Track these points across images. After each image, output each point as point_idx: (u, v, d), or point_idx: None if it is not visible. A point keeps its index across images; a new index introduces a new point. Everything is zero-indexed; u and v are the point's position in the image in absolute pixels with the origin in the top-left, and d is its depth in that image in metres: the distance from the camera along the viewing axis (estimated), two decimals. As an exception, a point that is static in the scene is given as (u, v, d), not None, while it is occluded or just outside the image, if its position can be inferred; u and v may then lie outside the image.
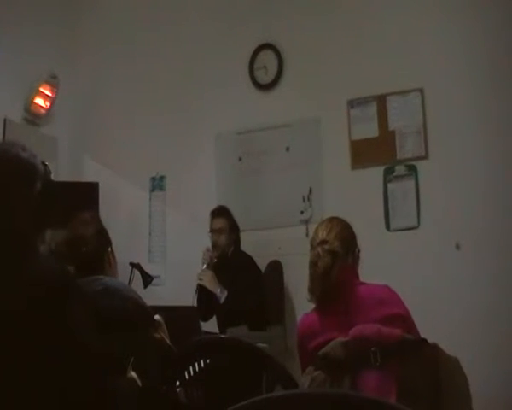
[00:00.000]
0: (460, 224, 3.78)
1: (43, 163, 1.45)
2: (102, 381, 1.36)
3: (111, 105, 5.05)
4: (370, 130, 4.16)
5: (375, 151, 4.12)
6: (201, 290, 3.85)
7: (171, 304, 3.41)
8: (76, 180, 4.75)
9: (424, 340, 1.76)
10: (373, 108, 4.17)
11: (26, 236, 1.41)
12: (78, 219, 2.23)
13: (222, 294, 3.78)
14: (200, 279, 3.84)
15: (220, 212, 4.08)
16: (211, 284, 3.82)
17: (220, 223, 4.04)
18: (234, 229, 4.06)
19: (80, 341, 1.35)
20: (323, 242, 1.99)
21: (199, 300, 3.84)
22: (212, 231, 4.05)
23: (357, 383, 1.70)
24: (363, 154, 4.17)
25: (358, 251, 2.14)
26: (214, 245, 4.01)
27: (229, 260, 4.01)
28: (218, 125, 4.63)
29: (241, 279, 3.83)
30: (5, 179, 1.39)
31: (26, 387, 1.24)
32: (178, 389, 2.09)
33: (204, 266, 3.91)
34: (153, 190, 4.91)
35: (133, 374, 1.71)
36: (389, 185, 4.06)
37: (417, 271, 3.78)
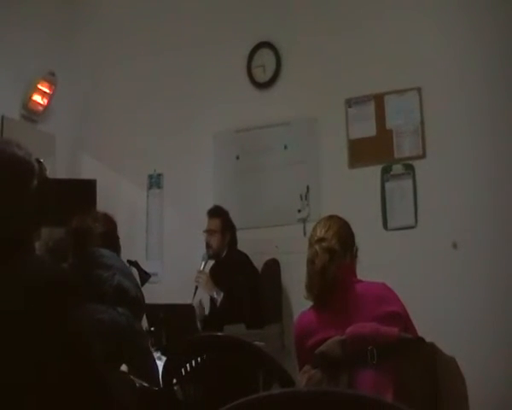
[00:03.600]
0: (457, 223, 3.78)
1: (38, 160, 1.45)
2: (103, 376, 1.36)
3: (109, 102, 5.04)
4: (368, 129, 4.15)
5: (372, 150, 4.12)
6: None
7: (168, 302, 3.41)
8: (73, 177, 4.75)
9: (421, 339, 1.76)
10: (371, 107, 4.17)
11: (22, 234, 1.41)
12: (92, 214, 2.23)
13: (218, 296, 3.78)
14: (197, 281, 3.85)
15: (215, 212, 4.08)
16: (206, 286, 3.83)
17: (214, 224, 4.05)
18: (228, 229, 4.06)
19: (80, 337, 1.34)
20: (321, 239, 1.99)
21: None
22: (206, 231, 4.06)
23: (354, 382, 1.69)
24: (360, 153, 4.17)
25: (356, 249, 2.14)
26: (207, 245, 4.04)
27: (223, 260, 4.02)
28: (216, 124, 4.63)
29: (235, 278, 3.83)
30: (1, 177, 1.38)
31: (24, 383, 1.24)
32: (175, 387, 2.09)
33: (201, 268, 3.92)
34: (150, 187, 4.91)
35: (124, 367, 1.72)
36: (387, 184, 4.06)
37: (414, 270, 3.78)
